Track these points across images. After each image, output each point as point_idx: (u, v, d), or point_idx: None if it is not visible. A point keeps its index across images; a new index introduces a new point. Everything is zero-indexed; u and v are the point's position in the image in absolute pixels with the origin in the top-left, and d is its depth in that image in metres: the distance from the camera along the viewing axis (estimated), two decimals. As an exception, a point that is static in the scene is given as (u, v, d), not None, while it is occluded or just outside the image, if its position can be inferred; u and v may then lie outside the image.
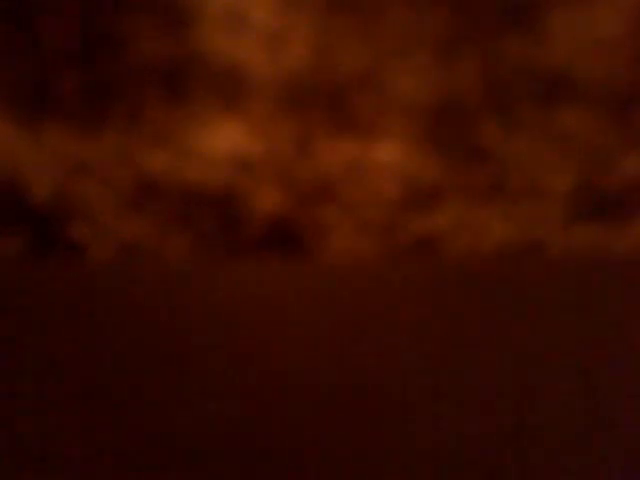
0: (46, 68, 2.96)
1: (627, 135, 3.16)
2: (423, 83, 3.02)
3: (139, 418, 2.16)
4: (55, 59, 2.95)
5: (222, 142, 3.09)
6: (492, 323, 3.21)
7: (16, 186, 3.14)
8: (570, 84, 3.08)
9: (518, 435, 2.01)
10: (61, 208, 3.17)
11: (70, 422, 2.12)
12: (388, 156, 3.09)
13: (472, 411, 2.18)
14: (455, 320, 3.22)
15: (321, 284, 3.34)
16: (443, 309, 3.34)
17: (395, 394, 2.33)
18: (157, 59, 2.97)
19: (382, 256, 3.30)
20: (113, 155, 3.09)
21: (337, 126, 3.09)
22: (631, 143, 3.16)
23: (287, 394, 2.35)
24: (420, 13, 2.90)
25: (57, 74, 2.96)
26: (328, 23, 2.95)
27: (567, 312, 3.36)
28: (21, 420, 2.14)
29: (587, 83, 3.07)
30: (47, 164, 3.09)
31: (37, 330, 3.07)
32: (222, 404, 2.25)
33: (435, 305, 3.37)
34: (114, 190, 3.12)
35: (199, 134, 3.10)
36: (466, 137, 3.13)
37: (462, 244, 3.31)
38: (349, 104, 3.06)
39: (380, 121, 3.09)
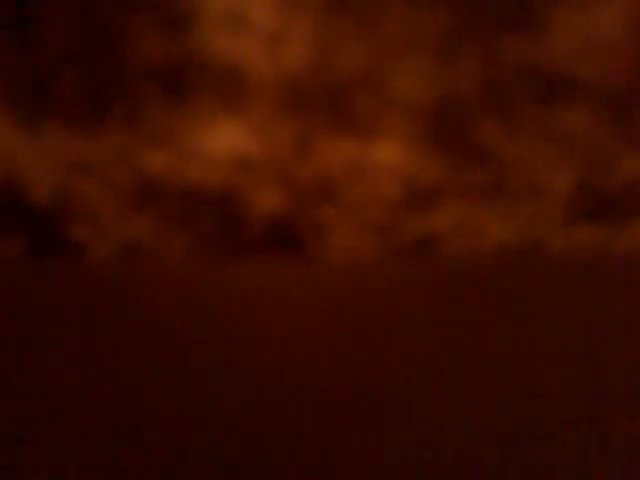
0: (46, 68, 2.96)
1: (627, 135, 3.15)
2: (423, 83, 3.02)
3: (139, 415, 2.16)
4: (55, 59, 2.95)
5: (222, 142, 3.09)
6: (492, 322, 3.21)
7: (16, 186, 3.14)
8: (570, 84, 3.07)
9: (518, 433, 2.02)
10: (61, 208, 3.17)
11: (70, 420, 2.12)
12: (388, 156, 3.09)
13: (472, 409, 2.18)
14: (455, 319, 3.22)
15: (321, 284, 3.34)
16: (443, 308, 3.34)
17: (395, 392, 2.34)
18: (157, 59, 2.97)
19: (382, 256, 3.30)
20: (113, 155, 3.09)
21: (337, 126, 3.08)
22: (631, 143, 3.16)
23: (287, 393, 2.35)
24: (420, 13, 2.90)
25: (57, 74, 2.96)
26: (328, 23, 2.94)
27: (567, 311, 3.36)
28: (22, 418, 2.15)
29: (587, 83, 3.07)
30: (47, 164, 3.08)
31: (37, 329, 3.07)
32: (222, 402, 2.25)
33: (435, 304, 3.37)
34: (114, 190, 3.12)
35: (199, 134, 3.09)
36: (466, 137, 3.13)
37: (462, 244, 3.31)
38: (349, 104, 3.05)
39: (380, 121, 3.08)
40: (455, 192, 3.19)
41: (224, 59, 2.98)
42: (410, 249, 3.30)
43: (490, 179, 3.20)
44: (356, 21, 2.96)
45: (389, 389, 2.44)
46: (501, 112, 3.08)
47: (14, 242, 3.20)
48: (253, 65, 2.99)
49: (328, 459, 1.88)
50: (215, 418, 2.19)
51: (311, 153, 3.12)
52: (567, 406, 2.26)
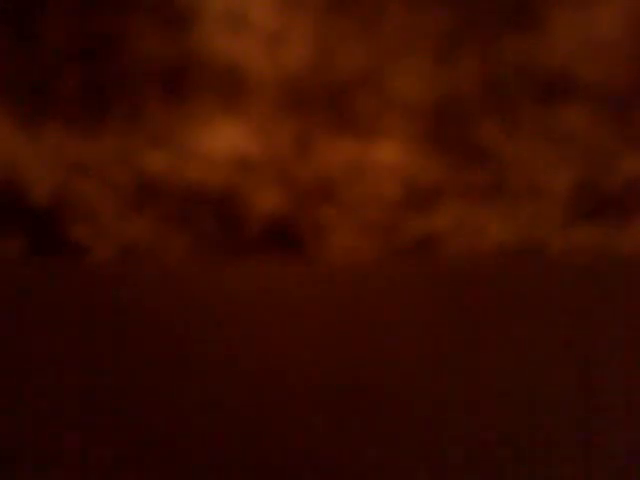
0: (46, 68, 2.96)
1: (627, 135, 3.15)
2: (423, 83, 3.02)
3: (138, 416, 2.16)
4: (55, 59, 2.95)
5: (222, 142, 3.09)
6: (492, 322, 3.21)
7: (16, 186, 3.14)
8: (570, 84, 3.07)
9: (517, 433, 2.02)
10: (61, 208, 3.17)
11: (70, 420, 2.13)
12: (388, 156, 3.09)
13: (472, 409, 2.19)
14: (455, 319, 3.21)
15: (321, 284, 3.34)
16: (443, 309, 3.34)
17: (395, 392, 2.34)
18: (157, 59, 2.97)
19: (382, 256, 3.30)
20: (113, 155, 3.09)
21: (337, 126, 3.08)
22: (631, 143, 3.16)
23: (287, 392, 2.35)
24: (420, 13, 2.90)
25: (57, 74, 2.96)
26: (328, 23, 2.94)
27: (567, 312, 3.36)
28: (22, 418, 2.15)
29: (587, 83, 3.07)
30: (47, 164, 3.08)
31: (37, 329, 3.07)
32: (221, 402, 2.26)
33: (435, 305, 3.37)
34: (114, 190, 3.12)
35: (199, 134, 3.09)
36: (466, 137, 3.13)
37: (462, 244, 3.31)
38: (349, 104, 3.05)
39: (380, 121, 3.08)
40: (455, 192, 3.19)
41: (224, 59, 2.98)
42: (410, 249, 3.30)
43: (490, 179, 3.20)
44: (356, 21, 2.96)
45: (389, 389, 2.44)
46: (501, 112, 3.08)
47: (14, 242, 3.20)
48: (253, 65, 2.99)
49: (328, 459, 1.88)
50: (215, 418, 2.19)
51: (311, 153, 3.12)
52: (567, 406, 2.26)
